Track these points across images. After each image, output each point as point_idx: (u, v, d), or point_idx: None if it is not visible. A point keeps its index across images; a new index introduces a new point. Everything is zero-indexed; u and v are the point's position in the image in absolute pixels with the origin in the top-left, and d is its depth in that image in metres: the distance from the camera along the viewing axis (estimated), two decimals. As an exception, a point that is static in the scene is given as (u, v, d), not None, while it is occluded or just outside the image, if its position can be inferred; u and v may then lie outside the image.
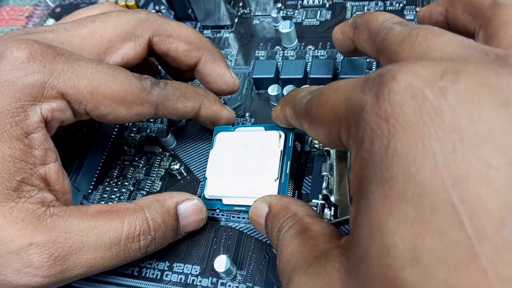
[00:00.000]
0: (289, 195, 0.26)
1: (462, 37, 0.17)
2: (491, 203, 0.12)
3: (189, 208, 0.25)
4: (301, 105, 0.21)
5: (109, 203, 0.30)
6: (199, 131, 0.32)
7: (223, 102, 0.32)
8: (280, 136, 0.27)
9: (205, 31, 0.38)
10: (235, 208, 0.26)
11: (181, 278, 0.26)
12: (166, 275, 0.26)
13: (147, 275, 0.27)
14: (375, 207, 0.14)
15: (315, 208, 0.25)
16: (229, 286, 0.25)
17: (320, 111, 0.19)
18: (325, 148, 0.26)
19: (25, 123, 0.21)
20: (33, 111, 0.21)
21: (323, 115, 0.18)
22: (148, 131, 0.33)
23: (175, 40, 0.27)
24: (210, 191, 0.27)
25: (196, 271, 0.26)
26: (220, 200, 0.27)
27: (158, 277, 0.26)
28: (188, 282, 0.26)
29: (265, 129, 0.28)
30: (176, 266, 0.27)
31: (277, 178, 0.26)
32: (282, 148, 0.27)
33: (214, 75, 0.28)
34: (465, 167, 0.12)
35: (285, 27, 0.33)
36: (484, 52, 0.15)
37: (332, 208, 0.24)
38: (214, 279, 0.26)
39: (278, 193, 0.26)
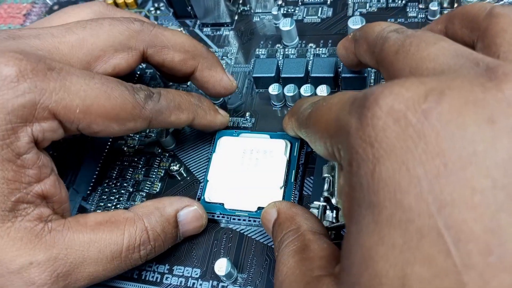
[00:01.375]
0: (292, 200, 0.26)
1: (457, 45, 0.16)
2: (476, 228, 0.11)
3: (188, 215, 0.25)
4: (303, 118, 0.21)
5: (109, 205, 0.30)
6: (198, 132, 0.31)
7: (223, 101, 0.32)
8: (286, 145, 0.27)
9: (204, 29, 0.37)
10: (236, 212, 0.26)
11: (181, 281, 0.26)
12: (166, 278, 0.26)
13: (147, 278, 0.26)
14: (366, 233, 0.13)
15: (317, 210, 0.25)
16: (230, 289, 0.25)
17: (316, 127, 0.19)
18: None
19: (16, 145, 0.20)
20: (24, 132, 0.21)
21: (319, 132, 0.19)
22: (147, 131, 0.33)
23: (171, 50, 0.26)
24: (211, 195, 0.27)
25: (197, 274, 0.26)
26: (222, 204, 0.27)
27: (158, 280, 0.26)
28: (188, 285, 0.26)
29: (270, 137, 0.28)
30: (176, 269, 0.26)
31: (282, 186, 0.26)
32: (288, 157, 0.27)
33: (212, 82, 0.28)
34: (449, 192, 0.12)
35: (285, 25, 0.32)
36: (475, 63, 0.15)
37: (334, 211, 0.24)
38: (215, 282, 0.25)
39: (282, 200, 0.26)
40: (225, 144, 0.28)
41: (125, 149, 0.32)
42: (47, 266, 0.20)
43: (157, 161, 0.31)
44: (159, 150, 0.31)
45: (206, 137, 0.31)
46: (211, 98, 0.32)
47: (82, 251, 0.21)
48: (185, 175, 0.30)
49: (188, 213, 0.25)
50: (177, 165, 0.29)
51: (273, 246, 0.25)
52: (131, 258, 0.23)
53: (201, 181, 0.29)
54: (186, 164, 0.30)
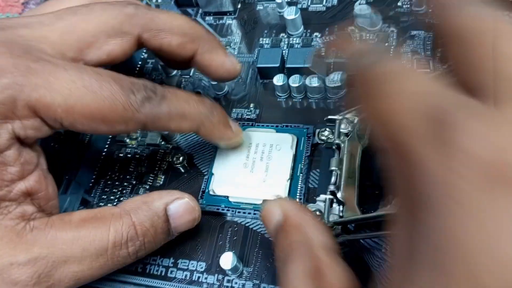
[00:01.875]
0: (298, 194, 0.26)
1: None
2: None
3: (179, 208, 0.24)
4: (357, 69, 0.16)
5: (112, 197, 0.29)
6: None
7: (227, 92, 0.31)
8: (293, 139, 0.27)
9: (207, 18, 0.36)
10: (241, 206, 0.26)
11: (186, 275, 0.26)
12: (171, 272, 0.26)
13: (151, 272, 0.26)
14: None
15: (323, 203, 0.24)
16: (236, 283, 0.25)
17: (369, 110, 0.15)
18: (336, 142, 0.25)
19: None
20: (4, 129, 0.20)
21: (371, 119, 0.15)
22: (149, 123, 0.32)
23: (168, 34, 0.25)
24: (217, 188, 0.27)
25: (202, 267, 0.26)
26: (226, 197, 0.26)
27: (163, 274, 0.26)
28: (193, 279, 0.25)
29: (276, 131, 0.28)
30: (181, 263, 0.26)
31: (288, 179, 0.26)
32: (294, 151, 0.26)
33: (214, 65, 0.26)
34: None
35: (290, 14, 0.32)
36: None
37: (340, 205, 0.24)
38: (220, 276, 0.25)
39: (288, 194, 0.25)
40: None
41: (128, 140, 0.32)
42: (28, 267, 0.20)
43: (160, 153, 0.31)
44: (163, 142, 0.31)
45: (210, 129, 0.30)
46: (214, 87, 0.31)
47: (65, 250, 0.20)
48: (189, 168, 0.29)
49: (179, 206, 0.24)
50: (181, 158, 0.29)
51: (279, 240, 0.25)
52: (118, 255, 0.22)
53: (205, 174, 0.29)
54: (190, 156, 0.30)
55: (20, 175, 0.21)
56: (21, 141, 0.21)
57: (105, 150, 0.32)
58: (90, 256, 0.21)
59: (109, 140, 0.32)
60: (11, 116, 0.20)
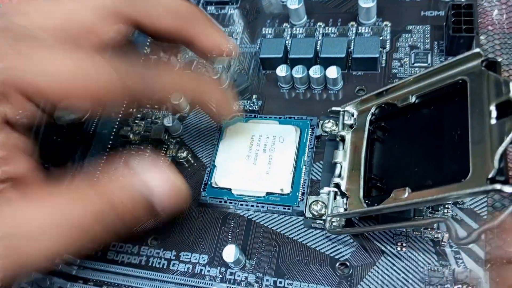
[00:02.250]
0: (301, 187, 0.25)
1: None
2: None
3: (159, 181, 0.22)
4: None
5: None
6: (205, 116, 0.30)
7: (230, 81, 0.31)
8: (296, 131, 0.27)
9: (208, 7, 0.36)
10: (244, 198, 0.26)
11: (188, 268, 0.25)
12: (173, 265, 0.26)
13: (153, 265, 0.26)
14: None
15: (327, 196, 0.24)
16: (238, 276, 0.24)
17: None
18: (340, 134, 0.25)
19: None
20: None
21: None
22: (153, 118, 0.32)
23: (163, 17, 0.25)
24: (219, 181, 0.27)
25: (204, 260, 0.25)
26: (229, 189, 0.26)
27: (165, 267, 0.26)
28: (196, 271, 0.25)
29: (280, 123, 0.28)
30: (183, 255, 0.26)
31: (292, 171, 0.25)
32: (297, 142, 0.26)
33: (210, 48, 0.26)
34: None
35: (293, 3, 0.31)
36: None
37: (344, 198, 0.23)
38: (223, 269, 0.25)
39: (291, 186, 0.25)
40: (233, 130, 0.28)
41: (131, 136, 0.31)
42: None
43: (164, 148, 0.30)
44: (166, 137, 0.30)
45: (212, 122, 0.30)
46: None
47: (36, 222, 0.20)
48: (192, 161, 0.29)
49: (160, 180, 0.22)
50: (185, 152, 0.29)
51: (282, 232, 0.25)
52: (94, 229, 0.21)
53: (207, 166, 0.28)
54: (193, 150, 0.29)
55: (5, 160, 0.20)
56: (11, 126, 0.20)
57: (109, 146, 0.31)
58: (62, 227, 0.20)
59: (113, 134, 0.32)
60: (1, 99, 0.19)
